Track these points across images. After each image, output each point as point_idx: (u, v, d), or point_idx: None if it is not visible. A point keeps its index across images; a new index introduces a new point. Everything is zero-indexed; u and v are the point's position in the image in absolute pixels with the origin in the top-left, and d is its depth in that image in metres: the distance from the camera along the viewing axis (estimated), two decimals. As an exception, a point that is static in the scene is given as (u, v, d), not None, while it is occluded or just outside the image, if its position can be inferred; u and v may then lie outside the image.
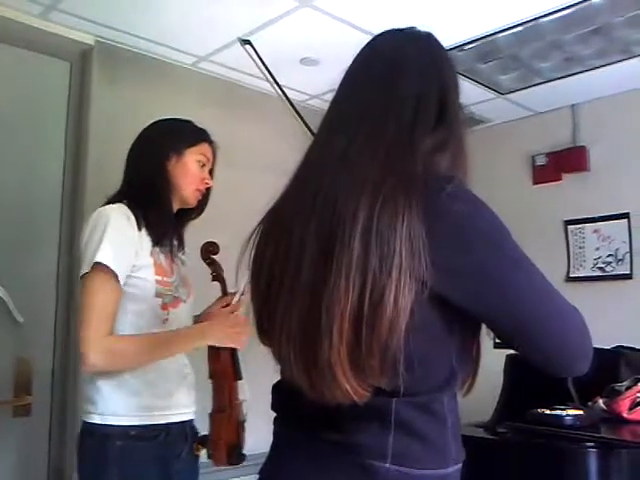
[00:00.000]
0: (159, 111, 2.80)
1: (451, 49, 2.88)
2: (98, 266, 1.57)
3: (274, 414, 1.07)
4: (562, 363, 0.94)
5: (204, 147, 1.88)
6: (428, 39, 1.08)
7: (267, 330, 1.00)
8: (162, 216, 1.76)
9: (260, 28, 2.73)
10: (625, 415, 1.98)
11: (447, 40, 2.79)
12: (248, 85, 3.38)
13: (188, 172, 1.82)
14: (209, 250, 1.96)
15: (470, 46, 2.89)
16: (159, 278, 1.71)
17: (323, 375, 0.87)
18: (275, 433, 1.06)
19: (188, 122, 1.93)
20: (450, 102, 1.02)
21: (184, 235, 1.96)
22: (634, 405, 1.98)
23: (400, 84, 1.00)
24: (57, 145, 2.79)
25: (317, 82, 3.23)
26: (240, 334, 1.70)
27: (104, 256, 1.57)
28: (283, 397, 1.05)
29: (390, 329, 0.84)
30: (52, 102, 2.80)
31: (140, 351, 1.62)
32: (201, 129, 1.93)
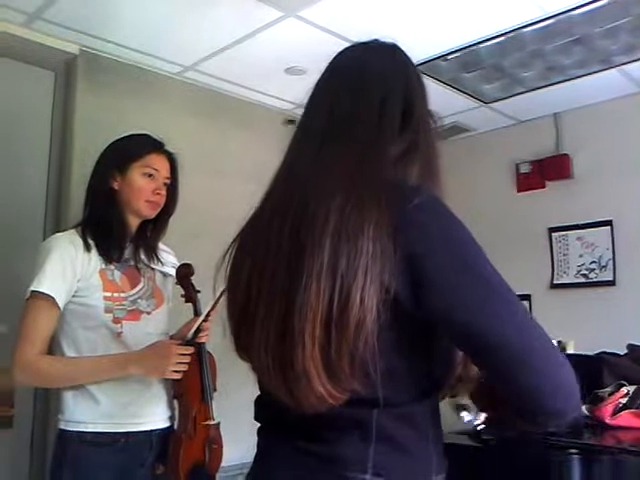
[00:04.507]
0: (144, 120, 2.81)
1: (435, 59, 2.92)
2: (35, 294, 1.71)
3: (257, 425, 1.07)
4: (540, 398, 0.83)
5: (150, 158, 1.89)
6: (392, 48, 1.09)
7: (245, 344, 1.00)
8: (110, 236, 1.84)
9: (246, 38, 2.74)
10: (608, 421, 1.98)
11: (430, 50, 2.83)
12: (233, 94, 3.38)
13: (134, 187, 1.86)
14: (183, 273, 1.97)
15: (453, 56, 2.91)
16: (108, 295, 1.78)
17: (299, 381, 0.87)
18: (258, 445, 1.05)
19: (141, 136, 1.95)
20: (416, 108, 1.03)
21: (158, 245, 1.99)
22: (617, 411, 1.98)
23: (364, 91, 1.02)
24: (41, 155, 2.78)
25: (302, 91, 3.25)
26: (169, 365, 1.71)
27: (41, 284, 1.70)
28: (265, 408, 1.05)
29: (357, 329, 0.84)
30: (36, 112, 2.79)
31: (64, 375, 1.75)
32: (151, 141, 1.94)
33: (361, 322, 0.84)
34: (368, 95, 1.01)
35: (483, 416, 1.11)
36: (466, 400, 1.08)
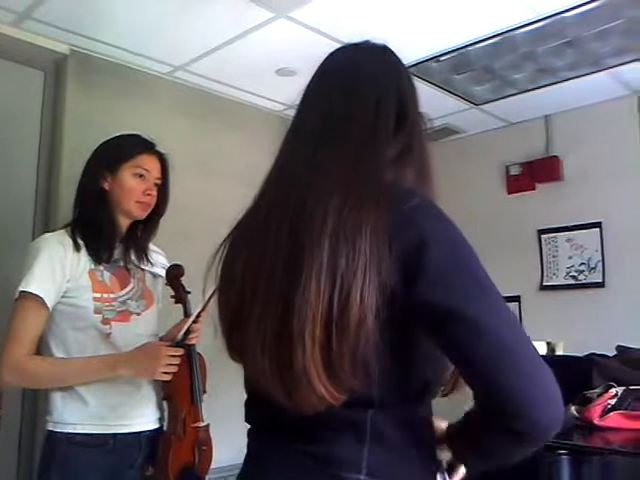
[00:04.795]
0: (134, 121, 2.80)
1: (426, 60, 2.92)
2: (23, 294, 1.70)
3: (248, 426, 1.06)
4: (521, 402, 0.81)
5: (141, 159, 1.89)
6: (382, 49, 1.09)
7: (238, 345, 0.99)
8: (100, 237, 1.83)
9: (237, 38, 2.74)
10: (597, 422, 1.99)
11: (422, 52, 2.84)
12: (223, 94, 3.38)
13: (125, 187, 1.85)
14: (173, 273, 1.96)
15: (445, 57, 2.92)
16: (98, 295, 1.78)
17: (298, 381, 0.87)
18: (249, 446, 1.05)
19: (132, 136, 1.94)
20: (409, 110, 1.03)
21: (149, 246, 1.99)
22: (606, 412, 1.99)
23: (357, 92, 1.01)
24: (30, 154, 2.76)
25: (293, 92, 3.25)
26: (159, 367, 1.71)
27: (29, 285, 1.69)
28: (256, 410, 1.05)
29: (357, 329, 0.85)
30: (26, 111, 2.77)
31: (52, 375, 1.74)
32: (141, 141, 1.93)
33: (362, 321, 0.85)
34: (362, 96, 1.01)
35: (460, 474, 1.05)
36: (439, 456, 1.01)
